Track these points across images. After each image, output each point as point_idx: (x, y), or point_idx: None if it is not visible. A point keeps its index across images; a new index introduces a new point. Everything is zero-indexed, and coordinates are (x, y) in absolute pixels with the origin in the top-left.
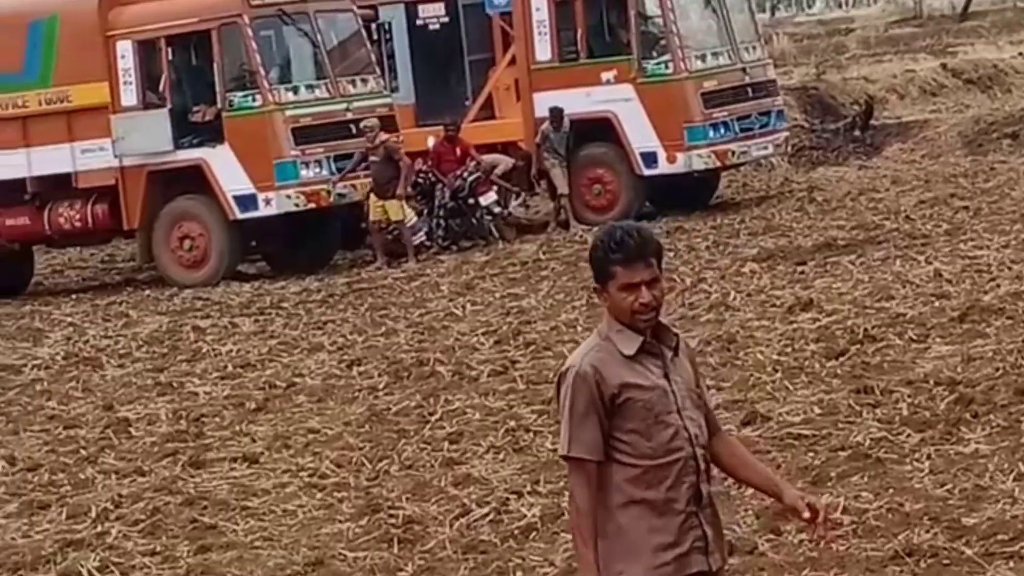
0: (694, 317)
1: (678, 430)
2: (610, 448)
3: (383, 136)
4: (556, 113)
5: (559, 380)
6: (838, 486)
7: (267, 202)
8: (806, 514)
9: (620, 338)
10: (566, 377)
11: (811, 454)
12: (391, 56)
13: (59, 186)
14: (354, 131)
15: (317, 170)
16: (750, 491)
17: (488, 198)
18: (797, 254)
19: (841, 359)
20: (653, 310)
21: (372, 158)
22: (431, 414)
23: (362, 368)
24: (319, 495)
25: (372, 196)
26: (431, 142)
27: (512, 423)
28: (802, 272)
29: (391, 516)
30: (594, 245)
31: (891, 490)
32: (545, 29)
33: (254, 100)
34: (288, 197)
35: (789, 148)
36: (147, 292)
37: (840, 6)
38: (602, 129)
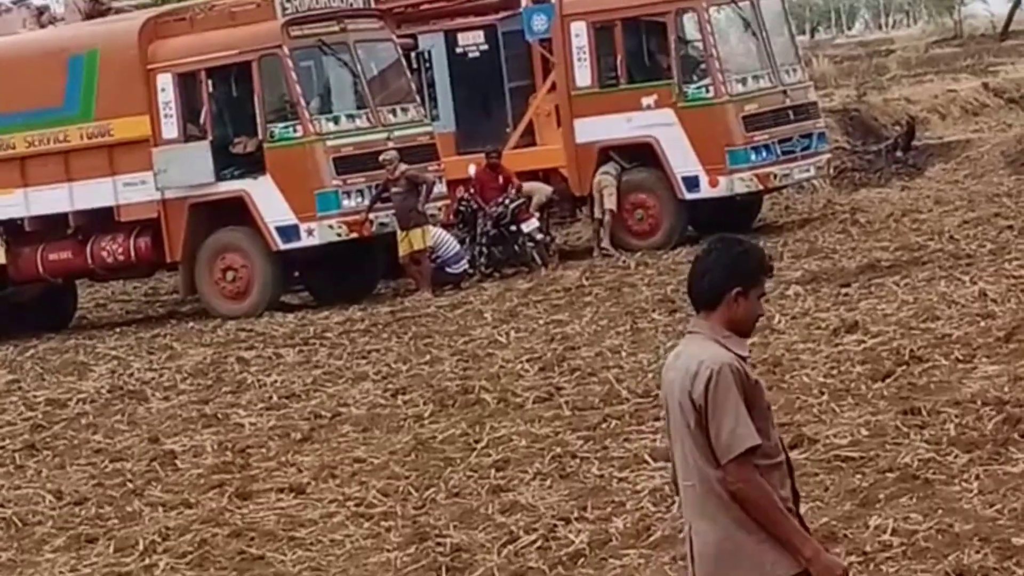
0: None
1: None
2: None
3: (403, 167)
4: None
5: (701, 380)
6: (886, 508)
7: (309, 232)
8: None
9: (731, 342)
10: (714, 376)
11: (859, 476)
12: (431, 84)
13: (101, 220)
14: None
15: (359, 200)
16: None
17: (530, 225)
18: (841, 276)
19: (887, 380)
20: None
21: (394, 190)
22: (477, 442)
23: (407, 397)
24: (366, 524)
25: (399, 231)
26: (472, 170)
27: (558, 449)
28: (847, 294)
29: (439, 544)
30: (752, 255)
31: (940, 511)
32: (585, 55)
33: (295, 131)
34: (331, 227)
35: (831, 170)
36: (191, 324)
37: (880, 27)
38: (643, 154)
